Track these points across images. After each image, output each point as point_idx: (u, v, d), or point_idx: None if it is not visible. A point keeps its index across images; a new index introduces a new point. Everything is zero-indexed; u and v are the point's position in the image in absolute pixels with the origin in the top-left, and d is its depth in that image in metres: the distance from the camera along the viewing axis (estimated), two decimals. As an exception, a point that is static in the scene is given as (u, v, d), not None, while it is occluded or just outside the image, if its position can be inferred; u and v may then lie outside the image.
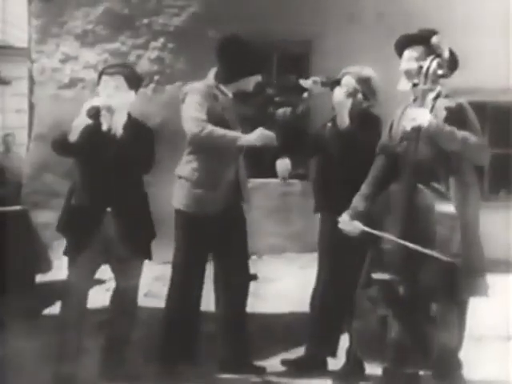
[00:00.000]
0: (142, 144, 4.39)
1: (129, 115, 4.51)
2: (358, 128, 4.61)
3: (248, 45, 4.80)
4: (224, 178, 4.71)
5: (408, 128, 3.90)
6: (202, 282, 4.80)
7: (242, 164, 4.89)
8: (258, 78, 4.83)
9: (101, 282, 5.76)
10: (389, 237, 3.92)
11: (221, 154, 4.65)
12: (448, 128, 3.84)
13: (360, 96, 4.72)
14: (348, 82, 4.70)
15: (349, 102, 4.65)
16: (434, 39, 4.03)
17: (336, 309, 4.70)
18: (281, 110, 4.91)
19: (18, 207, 7.46)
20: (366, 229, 4.10)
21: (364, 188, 4.27)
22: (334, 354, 4.83)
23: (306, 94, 4.81)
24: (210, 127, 4.53)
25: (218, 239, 4.77)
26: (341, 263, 4.63)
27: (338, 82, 4.75)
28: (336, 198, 4.60)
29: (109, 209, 4.45)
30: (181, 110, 4.72)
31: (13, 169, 10.36)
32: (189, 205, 4.72)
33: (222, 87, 4.77)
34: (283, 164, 4.85)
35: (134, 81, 4.56)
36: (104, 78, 4.51)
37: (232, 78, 4.76)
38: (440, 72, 3.91)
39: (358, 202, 4.26)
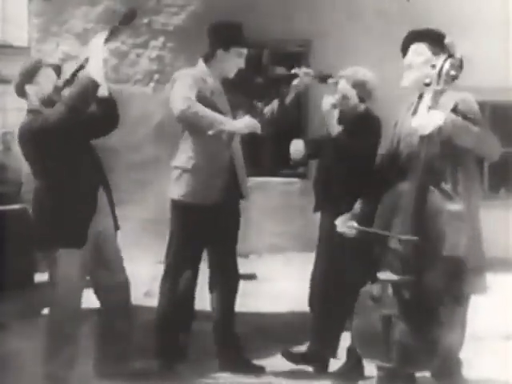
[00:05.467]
0: None
1: None
2: (351, 133, 4.63)
3: (238, 27, 4.81)
4: (219, 166, 4.69)
5: (424, 133, 3.87)
6: (196, 277, 4.79)
7: (240, 155, 4.88)
8: (240, 62, 4.78)
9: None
10: (377, 232, 3.97)
11: (214, 140, 4.61)
12: (463, 122, 3.83)
13: (355, 100, 4.72)
14: (343, 86, 4.71)
15: (335, 112, 4.71)
16: (448, 39, 4.02)
17: (333, 308, 4.71)
18: (268, 108, 4.90)
19: (17, 206, 7.46)
20: (359, 227, 4.16)
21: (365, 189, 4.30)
22: (334, 354, 4.82)
23: (295, 82, 4.81)
24: (197, 106, 4.53)
25: (212, 232, 4.75)
26: (337, 262, 4.65)
27: (328, 77, 4.79)
28: (336, 198, 4.62)
29: None
30: (170, 95, 4.71)
31: (13, 167, 10.35)
32: (185, 194, 4.70)
33: (209, 73, 4.76)
34: (297, 145, 4.84)
35: None
36: None
37: (213, 55, 4.76)
38: (453, 73, 3.90)
39: (357, 204, 4.32)
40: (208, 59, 4.80)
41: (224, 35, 4.76)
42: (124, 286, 4.56)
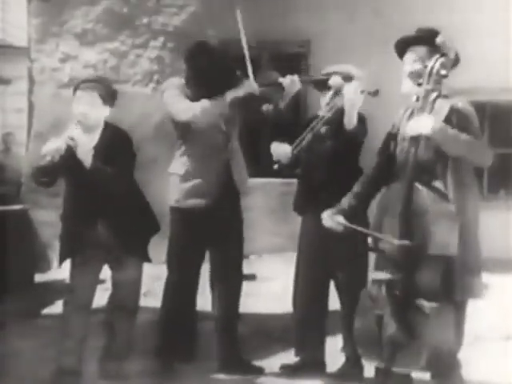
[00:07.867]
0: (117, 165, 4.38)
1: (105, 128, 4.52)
2: (359, 128, 4.58)
3: (216, 52, 4.74)
4: (213, 169, 4.69)
5: (410, 134, 3.88)
6: (197, 281, 4.79)
7: (239, 155, 4.88)
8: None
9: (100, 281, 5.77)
10: (365, 231, 3.96)
11: (208, 145, 4.64)
12: (452, 132, 3.80)
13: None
14: (336, 81, 4.63)
15: (361, 100, 4.51)
16: (439, 39, 4.01)
17: (316, 312, 4.75)
18: (264, 106, 4.78)
19: (17, 206, 7.47)
20: (347, 223, 4.08)
21: (355, 186, 4.24)
22: (321, 359, 4.83)
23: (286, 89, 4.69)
24: (198, 107, 4.53)
25: (212, 234, 4.75)
26: (319, 264, 4.67)
27: (324, 82, 4.69)
28: (321, 199, 4.49)
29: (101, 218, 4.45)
30: (164, 106, 4.72)
31: (13, 168, 10.36)
32: (180, 199, 4.72)
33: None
34: (281, 148, 4.71)
35: (109, 96, 4.50)
36: (78, 93, 4.45)
37: (199, 90, 4.66)
38: (443, 72, 3.89)
39: (345, 199, 4.21)
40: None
41: (193, 64, 4.72)
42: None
